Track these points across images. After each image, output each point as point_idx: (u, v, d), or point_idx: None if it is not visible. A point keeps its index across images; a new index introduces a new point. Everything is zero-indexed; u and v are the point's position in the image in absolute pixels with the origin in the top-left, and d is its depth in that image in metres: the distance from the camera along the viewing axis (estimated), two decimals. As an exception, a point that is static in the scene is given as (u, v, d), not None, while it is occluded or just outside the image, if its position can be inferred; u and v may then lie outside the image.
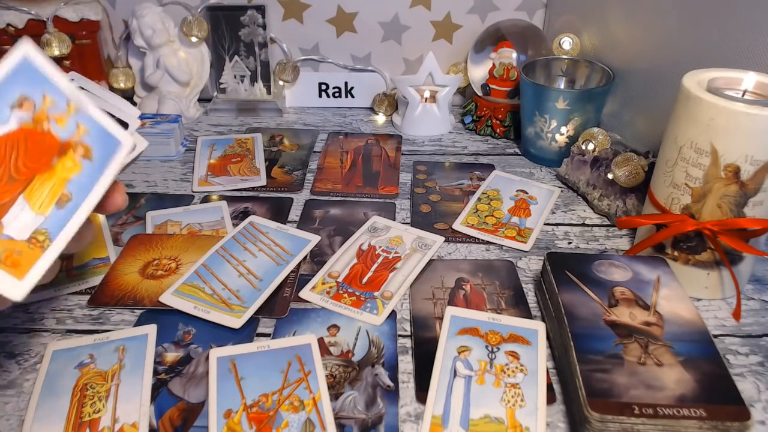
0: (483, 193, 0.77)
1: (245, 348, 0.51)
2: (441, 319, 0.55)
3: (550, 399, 0.48)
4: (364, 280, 0.60)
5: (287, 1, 0.96)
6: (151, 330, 0.53)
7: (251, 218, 0.69)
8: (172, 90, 0.97)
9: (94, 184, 0.36)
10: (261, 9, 0.95)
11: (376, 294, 0.58)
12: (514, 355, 0.50)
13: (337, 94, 1.03)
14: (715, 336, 0.53)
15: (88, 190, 0.36)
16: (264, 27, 0.96)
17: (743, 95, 0.54)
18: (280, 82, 1.01)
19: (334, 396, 0.48)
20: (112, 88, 0.96)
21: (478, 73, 0.95)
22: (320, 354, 0.51)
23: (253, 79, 1.01)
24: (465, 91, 1.04)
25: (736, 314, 0.55)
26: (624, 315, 0.50)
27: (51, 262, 0.34)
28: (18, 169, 0.32)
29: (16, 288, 0.32)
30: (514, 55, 0.92)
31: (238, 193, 0.77)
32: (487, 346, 0.51)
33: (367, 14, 0.97)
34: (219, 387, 0.47)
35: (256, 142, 0.88)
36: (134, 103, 0.99)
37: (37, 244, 0.33)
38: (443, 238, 0.67)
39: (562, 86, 0.89)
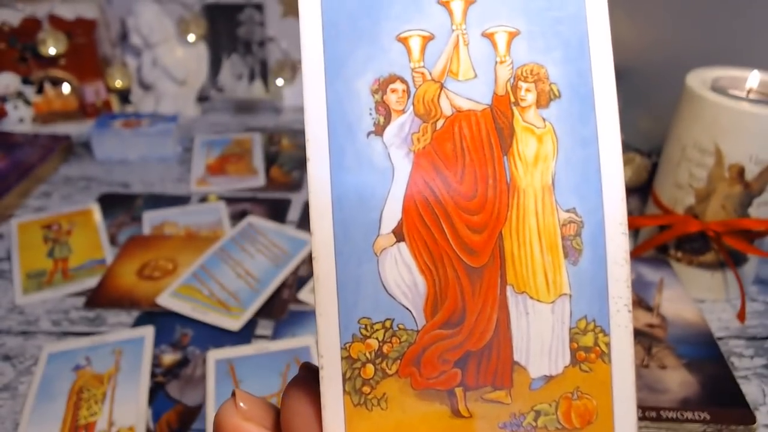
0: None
1: (243, 350, 0.50)
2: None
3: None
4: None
5: None
6: (148, 332, 0.52)
7: (249, 219, 0.68)
8: (169, 89, 0.97)
9: None
10: (259, 7, 0.94)
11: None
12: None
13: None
14: (719, 338, 0.53)
15: None
16: (262, 25, 0.96)
17: (748, 94, 0.54)
18: (279, 81, 1.00)
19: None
20: (108, 88, 0.95)
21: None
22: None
23: (252, 78, 1.00)
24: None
25: (741, 316, 0.55)
26: (627, 317, 0.50)
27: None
28: None
29: None
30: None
31: (236, 194, 0.76)
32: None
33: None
34: (217, 389, 0.47)
35: (255, 142, 0.87)
36: (130, 103, 0.99)
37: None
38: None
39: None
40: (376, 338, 0.19)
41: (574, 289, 0.19)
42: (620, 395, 0.19)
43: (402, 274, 0.19)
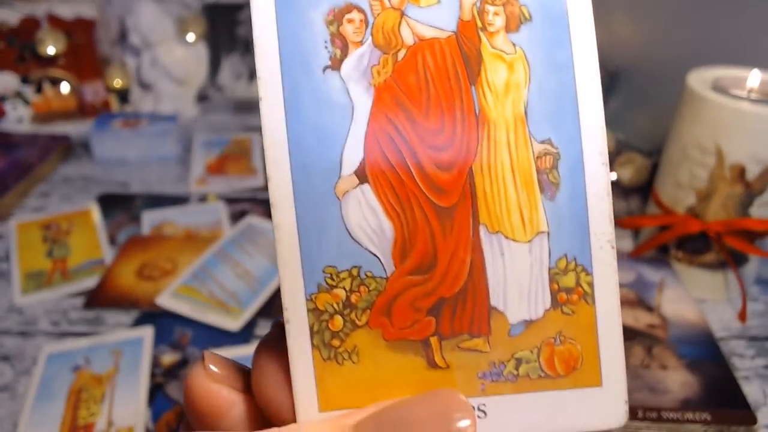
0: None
1: (243, 350, 0.50)
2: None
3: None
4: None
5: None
6: (147, 332, 0.52)
7: (249, 219, 0.68)
8: (169, 89, 0.96)
9: None
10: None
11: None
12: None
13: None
14: (720, 338, 0.53)
15: None
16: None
17: (749, 94, 0.54)
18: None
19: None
20: (107, 87, 0.95)
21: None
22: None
23: (251, 78, 1.00)
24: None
25: (742, 316, 0.54)
26: (627, 317, 0.50)
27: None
28: None
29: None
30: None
31: (235, 194, 0.76)
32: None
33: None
34: (216, 391, 0.47)
35: (254, 142, 0.87)
36: (129, 102, 0.98)
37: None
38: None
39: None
40: (343, 287, 0.18)
41: (552, 226, 0.18)
42: (606, 338, 0.18)
43: (367, 218, 0.18)
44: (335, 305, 0.18)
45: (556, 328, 0.18)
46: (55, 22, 0.90)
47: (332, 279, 0.18)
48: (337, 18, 0.18)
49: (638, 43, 0.78)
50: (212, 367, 0.19)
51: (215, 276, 0.59)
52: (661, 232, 0.58)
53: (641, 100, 0.78)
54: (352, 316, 0.18)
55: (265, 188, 0.77)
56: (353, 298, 0.18)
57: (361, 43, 0.18)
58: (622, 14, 0.80)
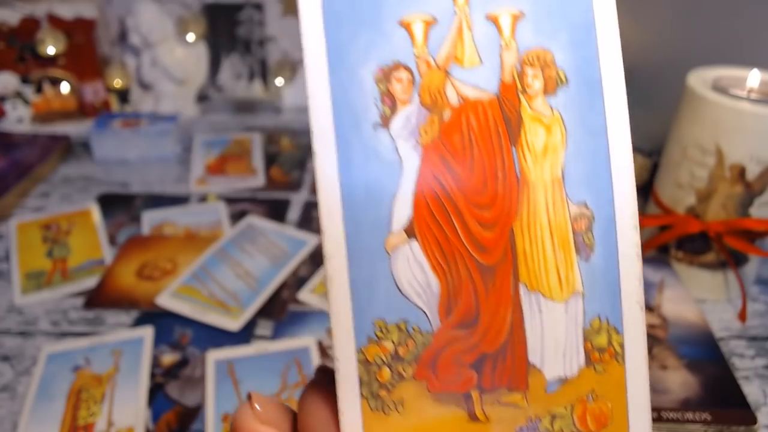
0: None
1: (243, 350, 0.50)
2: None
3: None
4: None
5: (285, -1, 0.96)
6: (147, 332, 0.52)
7: (249, 219, 0.68)
8: (169, 89, 0.96)
9: None
10: (259, 6, 0.94)
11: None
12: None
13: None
14: (720, 338, 0.53)
15: None
16: (262, 24, 0.96)
17: (749, 94, 0.54)
18: (278, 81, 1.00)
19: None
20: (107, 87, 0.95)
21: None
22: (319, 357, 0.50)
23: (251, 78, 1.00)
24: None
25: (742, 316, 0.54)
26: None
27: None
28: None
29: None
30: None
31: (235, 194, 0.76)
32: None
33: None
34: (216, 390, 0.47)
35: (254, 142, 0.87)
36: (129, 102, 0.98)
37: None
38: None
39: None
40: (391, 340, 0.19)
41: (587, 287, 0.19)
42: (634, 397, 0.19)
43: (415, 274, 0.19)
44: (384, 357, 0.19)
45: (589, 386, 0.19)
46: (55, 22, 0.90)
47: (381, 332, 0.19)
48: (386, 76, 0.18)
49: (638, 43, 0.78)
50: (258, 407, 0.19)
51: (215, 276, 0.59)
52: (661, 232, 0.58)
53: (642, 100, 0.78)
54: (400, 368, 0.19)
55: (265, 188, 0.77)
56: (401, 351, 0.19)
57: (408, 101, 0.19)
58: (622, 14, 0.80)
